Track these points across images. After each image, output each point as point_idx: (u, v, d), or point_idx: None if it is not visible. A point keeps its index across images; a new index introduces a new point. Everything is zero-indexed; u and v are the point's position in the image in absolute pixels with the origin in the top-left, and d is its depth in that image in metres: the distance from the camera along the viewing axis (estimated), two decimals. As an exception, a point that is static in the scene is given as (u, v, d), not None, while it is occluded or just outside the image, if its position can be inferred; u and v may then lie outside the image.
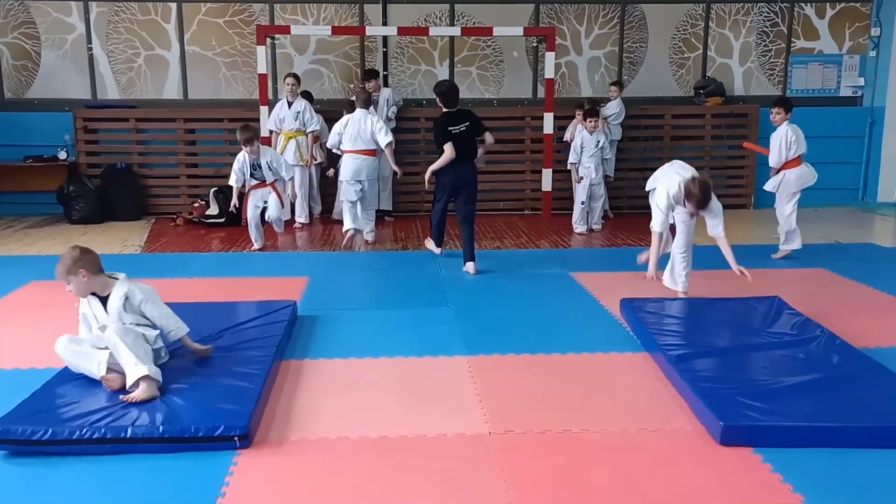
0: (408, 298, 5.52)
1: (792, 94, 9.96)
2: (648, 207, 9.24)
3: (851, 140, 10.01)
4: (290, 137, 8.30)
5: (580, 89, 9.83)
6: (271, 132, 8.44)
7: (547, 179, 9.13)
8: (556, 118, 9.00)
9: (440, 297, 5.57)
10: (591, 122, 8.05)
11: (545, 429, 3.35)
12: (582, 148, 8.12)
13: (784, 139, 6.89)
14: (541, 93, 9.65)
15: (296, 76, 8.44)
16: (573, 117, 8.95)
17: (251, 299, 5.19)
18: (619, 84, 9.21)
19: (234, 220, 8.54)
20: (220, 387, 3.53)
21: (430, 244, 6.97)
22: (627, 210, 9.51)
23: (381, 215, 8.99)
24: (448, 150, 6.22)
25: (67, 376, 3.68)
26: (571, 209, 8.43)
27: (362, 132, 7.21)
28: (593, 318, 5.02)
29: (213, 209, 8.58)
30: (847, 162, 10.06)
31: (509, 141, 9.47)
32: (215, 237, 8.03)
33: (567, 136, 8.76)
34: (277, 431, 3.34)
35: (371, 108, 7.75)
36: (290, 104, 8.32)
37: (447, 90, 6.35)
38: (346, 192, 7.35)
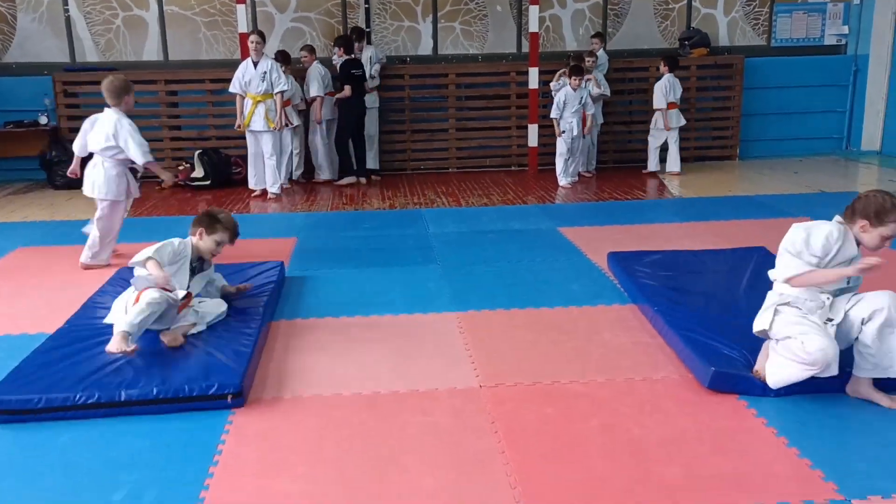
0: (396, 257, 5.54)
1: (777, 44, 9.93)
2: (636, 161, 9.35)
3: (835, 89, 10.01)
4: (258, 101, 7.75)
5: (565, 43, 9.75)
6: (237, 96, 7.93)
7: (533, 135, 9.11)
8: (541, 73, 8.95)
9: (428, 254, 5.59)
10: (575, 79, 8.02)
11: (534, 381, 3.41)
12: (565, 104, 8.13)
13: (665, 86, 8.58)
14: (525, 47, 9.57)
15: (261, 34, 7.93)
16: (558, 71, 8.91)
17: (239, 261, 5.20)
18: (600, 36, 9.14)
19: (220, 182, 8.50)
20: (211, 348, 3.55)
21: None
22: (613, 165, 9.51)
23: (367, 174, 8.98)
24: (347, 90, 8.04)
25: (57, 342, 3.69)
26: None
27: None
28: (581, 271, 5.06)
29: (199, 172, 8.52)
30: (831, 111, 10.07)
31: (495, 97, 9.43)
32: (202, 200, 7.98)
33: (552, 87, 8.71)
34: (271, 390, 3.38)
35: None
36: (255, 64, 7.76)
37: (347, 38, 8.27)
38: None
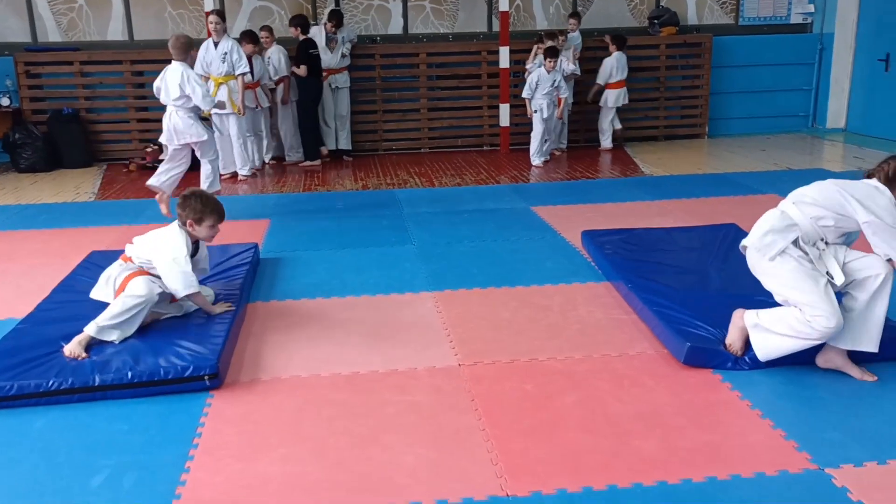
0: (371, 237, 5.53)
1: (744, 23, 10.01)
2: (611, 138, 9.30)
3: (802, 67, 10.12)
4: (220, 83, 7.52)
5: (535, 22, 9.72)
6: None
7: (505, 114, 9.10)
8: (512, 52, 8.93)
9: (403, 235, 5.59)
10: (550, 62, 8.03)
11: (512, 358, 3.44)
12: (537, 84, 8.15)
13: (614, 65, 8.86)
14: (496, 26, 9.53)
15: (220, 13, 7.76)
16: (529, 51, 8.91)
17: (211, 243, 5.14)
18: (576, 16, 9.14)
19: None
20: (186, 329, 3.52)
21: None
22: (584, 143, 9.54)
23: (339, 155, 8.92)
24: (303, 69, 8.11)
25: (27, 327, 3.63)
26: (530, 144, 8.46)
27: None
28: (555, 250, 5.09)
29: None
30: (798, 89, 10.19)
31: (466, 76, 9.39)
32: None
33: (528, 67, 8.70)
34: (249, 372, 3.36)
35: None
36: (215, 45, 7.50)
37: (304, 18, 8.33)
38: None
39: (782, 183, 6.92)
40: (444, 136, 9.51)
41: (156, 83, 6.18)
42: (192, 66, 6.23)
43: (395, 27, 9.52)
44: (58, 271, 4.65)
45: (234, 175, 7.93)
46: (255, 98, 7.96)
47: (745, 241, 3.28)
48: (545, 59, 8.07)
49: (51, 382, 3.07)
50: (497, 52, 9.07)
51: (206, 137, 6.16)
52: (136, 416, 3.00)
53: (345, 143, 9.00)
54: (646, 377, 3.23)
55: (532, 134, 8.31)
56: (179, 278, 3.53)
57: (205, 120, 6.51)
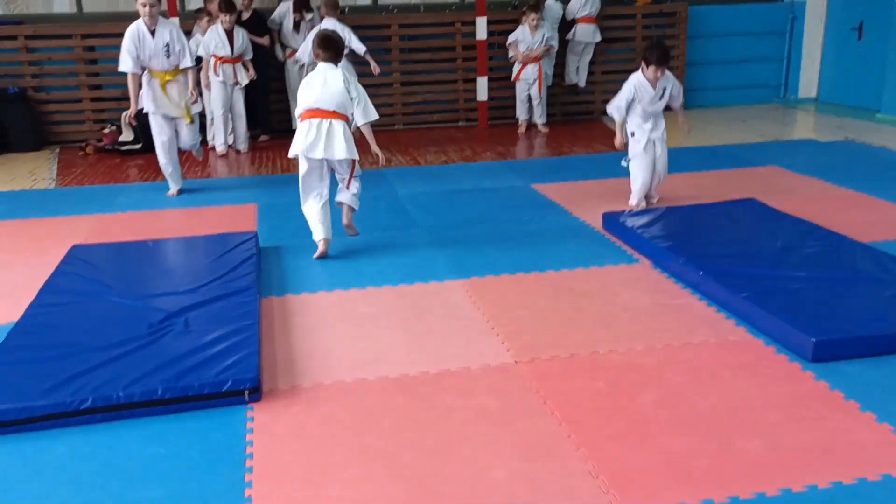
0: (372, 221, 5.17)
1: (718, -9, 9.87)
2: (583, 113, 9.23)
3: (774, 37, 10.04)
4: (168, 80, 5.74)
5: (509, -9, 9.40)
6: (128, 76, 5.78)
7: (483, 88, 8.79)
8: (489, 22, 8.60)
9: (406, 218, 5.26)
10: (534, 18, 7.83)
11: (570, 353, 3.18)
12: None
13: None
14: (469, -4, 9.19)
15: None
16: (506, 21, 8.62)
17: (200, 233, 4.75)
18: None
19: (153, 145, 7.80)
20: (211, 334, 3.16)
21: None
22: (562, 118, 9.29)
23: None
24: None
25: (24, 335, 3.22)
26: (508, 119, 8.20)
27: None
28: (573, 231, 4.84)
29: (127, 135, 7.82)
30: (769, 59, 10.11)
31: (440, 49, 9.02)
32: (133, 165, 7.33)
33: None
34: (285, 378, 3.03)
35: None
36: (152, 33, 5.60)
37: None
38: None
39: (777, 154, 6.85)
40: (420, 111, 9.13)
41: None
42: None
43: (364, -3, 9.09)
44: (35, 268, 4.22)
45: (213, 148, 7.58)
46: (233, 74, 7.42)
47: None
48: (528, 15, 7.93)
49: (69, 401, 2.69)
50: (471, 24, 8.72)
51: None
52: (171, 436, 2.65)
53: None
54: (721, 368, 3.02)
55: (632, 173, 5.32)
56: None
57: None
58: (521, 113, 8.54)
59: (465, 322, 3.52)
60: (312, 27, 7.71)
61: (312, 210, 4.44)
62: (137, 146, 7.78)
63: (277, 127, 8.49)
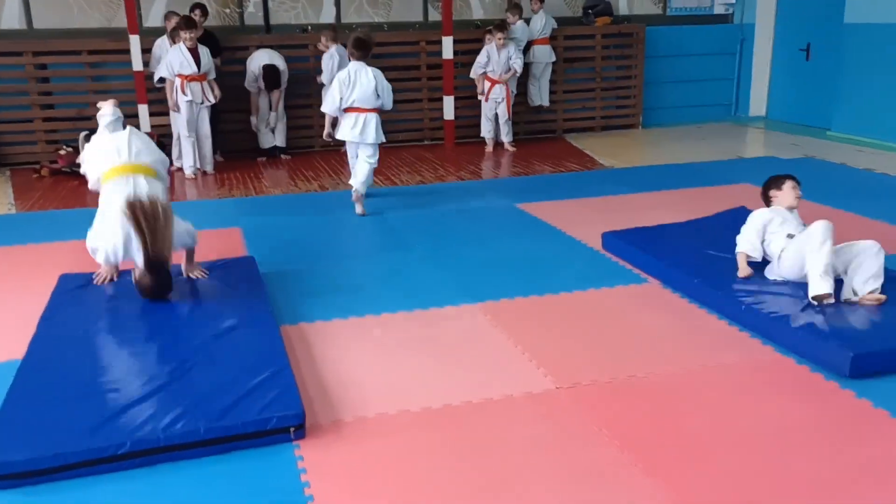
0: (364, 244, 5.10)
1: (672, 13, 10.14)
2: (546, 131, 9.39)
3: (725, 57, 10.37)
4: None
5: (472, 11, 9.43)
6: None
7: (449, 107, 8.77)
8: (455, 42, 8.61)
9: (398, 240, 5.18)
10: (500, 37, 7.96)
11: (610, 377, 3.16)
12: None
13: (542, 20, 8.93)
14: (432, 15, 9.19)
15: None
16: (471, 41, 8.66)
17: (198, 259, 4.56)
18: (517, 7, 8.92)
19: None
20: (239, 368, 3.01)
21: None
22: (524, 136, 9.33)
23: (275, 154, 8.32)
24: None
25: (33, 373, 3.01)
26: (472, 137, 8.26)
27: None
28: (573, 251, 4.84)
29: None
30: (721, 78, 10.43)
31: (404, 67, 8.97)
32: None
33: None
34: (324, 412, 2.91)
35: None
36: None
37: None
38: None
39: (744, 171, 7.02)
40: (384, 130, 9.02)
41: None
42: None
43: (328, 16, 8.96)
44: (21, 300, 4.00)
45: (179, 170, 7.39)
46: (202, 93, 7.20)
47: None
48: (494, 34, 8.06)
49: (106, 446, 2.51)
50: (436, 42, 8.71)
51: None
52: (220, 480, 2.50)
53: (280, 141, 8.39)
54: (761, 389, 3.04)
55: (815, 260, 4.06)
56: None
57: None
58: (487, 131, 8.60)
59: (494, 348, 3.47)
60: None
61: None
62: (97, 168, 7.45)
63: (233, 147, 8.31)
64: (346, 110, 5.67)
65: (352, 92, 5.60)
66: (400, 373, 3.23)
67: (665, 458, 2.56)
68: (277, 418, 2.66)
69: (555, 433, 2.75)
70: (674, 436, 2.71)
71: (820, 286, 3.48)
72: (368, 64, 5.75)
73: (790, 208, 4.03)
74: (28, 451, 2.48)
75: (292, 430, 2.68)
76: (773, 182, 4.13)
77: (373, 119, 5.71)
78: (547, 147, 8.77)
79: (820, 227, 3.61)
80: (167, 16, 7.83)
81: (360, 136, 5.67)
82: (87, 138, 7.40)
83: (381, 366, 3.30)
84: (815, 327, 3.28)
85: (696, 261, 4.14)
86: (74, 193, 6.80)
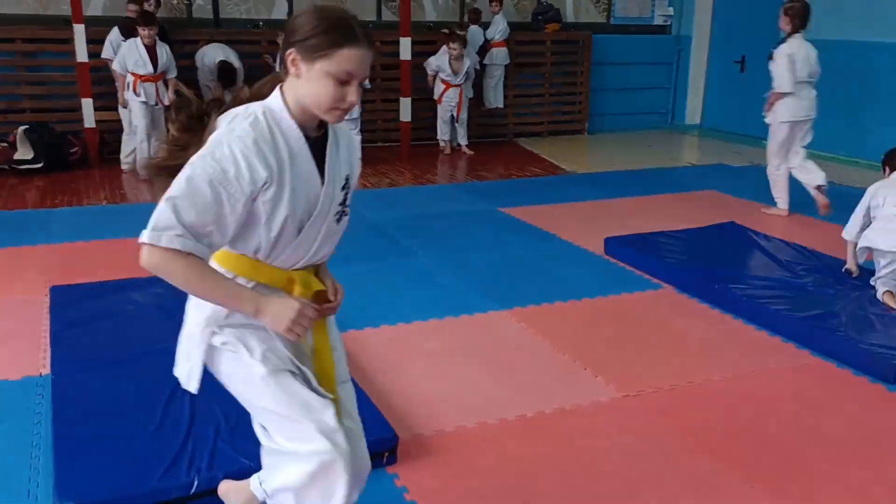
0: (364, 249, 4.89)
1: (616, 22, 10.36)
2: (499, 135, 9.41)
3: (662, 66, 10.70)
4: None
5: (425, 13, 9.35)
6: None
7: (406, 109, 8.65)
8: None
9: (397, 246, 5.06)
10: (455, 48, 7.90)
11: (670, 384, 3.18)
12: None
13: (501, 22, 8.95)
14: (385, 15, 9.06)
15: None
16: (426, 42, 8.59)
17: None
18: (476, 11, 8.91)
19: (54, 164, 7.02)
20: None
21: None
22: (477, 139, 9.31)
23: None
24: None
25: (70, 402, 2.74)
26: (426, 140, 8.28)
27: None
28: (577, 256, 4.85)
29: (25, 152, 6.96)
30: (659, 87, 10.76)
31: (358, 67, 8.78)
32: (34, 187, 6.52)
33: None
34: (400, 429, 2.77)
35: None
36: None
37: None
38: None
39: (702, 178, 7.28)
40: (337, 131, 8.83)
41: None
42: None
43: (280, 12, 8.68)
44: (9, 312, 3.65)
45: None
46: (156, 94, 6.76)
47: None
48: (450, 45, 7.98)
49: (192, 480, 2.31)
50: (391, 43, 8.57)
51: None
52: (319, 504, 2.34)
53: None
54: (819, 394, 3.13)
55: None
56: None
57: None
58: (444, 134, 8.56)
59: (543, 355, 3.43)
60: None
61: None
62: (38, 165, 6.95)
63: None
64: None
65: None
66: (459, 383, 3.15)
67: (762, 466, 2.59)
68: (371, 442, 2.51)
69: (642, 442, 2.74)
70: (762, 444, 2.74)
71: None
72: None
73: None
74: (108, 489, 2.26)
75: (386, 454, 2.54)
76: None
77: None
78: (502, 151, 8.80)
79: None
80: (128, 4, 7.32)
81: None
82: (28, 133, 6.97)
83: (437, 376, 3.21)
84: (857, 332, 3.41)
85: (712, 267, 4.23)
86: (10, 193, 6.30)
